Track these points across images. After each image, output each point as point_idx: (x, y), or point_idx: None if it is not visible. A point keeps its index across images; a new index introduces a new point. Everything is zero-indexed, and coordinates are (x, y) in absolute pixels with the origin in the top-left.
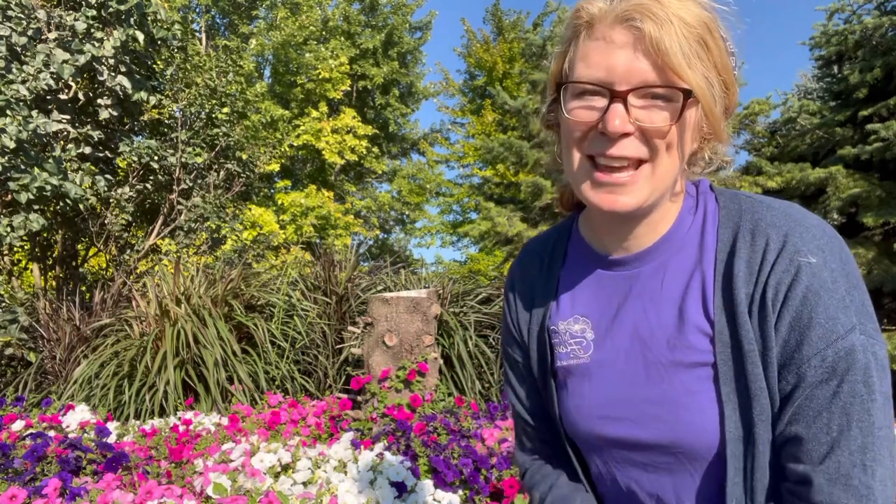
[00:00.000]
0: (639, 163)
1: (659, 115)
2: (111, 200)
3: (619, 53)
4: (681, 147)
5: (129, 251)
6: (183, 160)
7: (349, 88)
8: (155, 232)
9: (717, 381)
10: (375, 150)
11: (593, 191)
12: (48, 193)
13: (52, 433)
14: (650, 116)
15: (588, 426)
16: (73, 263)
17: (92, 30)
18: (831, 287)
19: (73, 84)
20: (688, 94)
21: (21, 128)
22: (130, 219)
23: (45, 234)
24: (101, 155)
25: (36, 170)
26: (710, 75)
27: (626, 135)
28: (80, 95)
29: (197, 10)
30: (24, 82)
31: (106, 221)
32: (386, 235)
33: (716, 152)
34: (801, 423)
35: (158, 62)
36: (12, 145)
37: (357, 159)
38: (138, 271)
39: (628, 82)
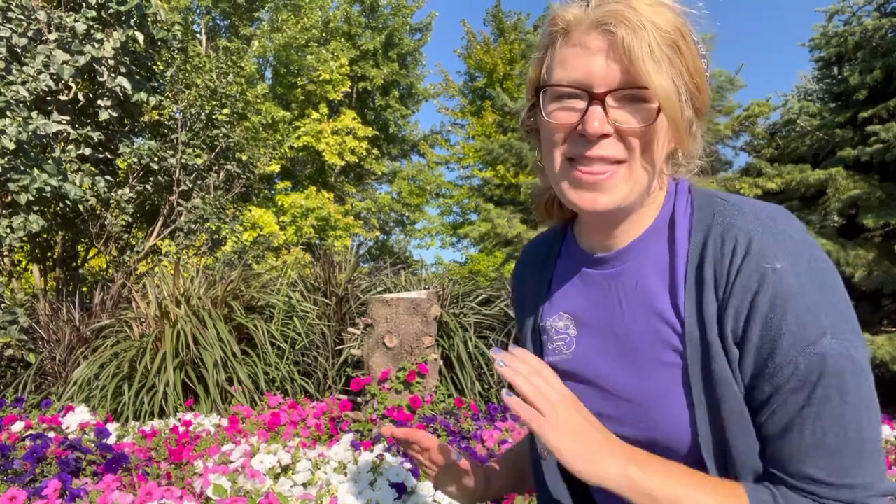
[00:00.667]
0: (616, 164)
1: (635, 116)
2: (111, 201)
3: (595, 58)
4: (657, 147)
5: (129, 252)
6: (183, 161)
7: (349, 90)
8: (155, 233)
9: (687, 384)
10: (375, 151)
11: (574, 190)
12: (48, 194)
13: (51, 434)
14: (627, 118)
15: None
16: (73, 264)
17: (92, 31)
18: (799, 292)
19: (73, 85)
20: None
21: (21, 129)
22: (130, 220)
23: (44, 236)
24: (101, 156)
25: (36, 171)
26: (680, 81)
27: (605, 136)
28: (80, 96)
29: (197, 11)
30: (24, 83)
31: (106, 222)
32: (386, 237)
33: (691, 154)
34: (777, 430)
35: (159, 63)
36: (12, 146)
37: (357, 161)
38: (138, 272)
39: (606, 85)
